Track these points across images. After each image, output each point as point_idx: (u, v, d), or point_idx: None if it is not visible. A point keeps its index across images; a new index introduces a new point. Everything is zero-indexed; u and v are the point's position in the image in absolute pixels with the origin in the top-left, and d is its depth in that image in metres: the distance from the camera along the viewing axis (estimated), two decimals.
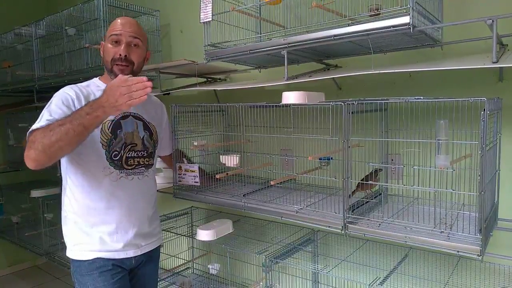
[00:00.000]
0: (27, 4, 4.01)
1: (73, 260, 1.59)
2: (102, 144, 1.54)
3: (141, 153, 1.66)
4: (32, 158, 1.30)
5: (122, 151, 1.59)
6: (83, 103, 1.47)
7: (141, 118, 1.68)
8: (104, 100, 1.28)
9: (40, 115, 1.45)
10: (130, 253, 1.62)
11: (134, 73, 1.59)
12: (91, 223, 1.57)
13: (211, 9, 1.81)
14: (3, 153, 3.85)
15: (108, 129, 1.56)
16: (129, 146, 1.61)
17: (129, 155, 1.61)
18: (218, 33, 1.89)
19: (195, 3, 1.97)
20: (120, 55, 1.54)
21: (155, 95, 2.52)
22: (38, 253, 3.39)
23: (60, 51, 2.81)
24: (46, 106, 1.48)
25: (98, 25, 2.47)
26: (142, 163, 1.66)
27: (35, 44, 3.03)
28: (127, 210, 1.61)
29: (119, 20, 1.59)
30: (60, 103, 1.47)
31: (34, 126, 1.38)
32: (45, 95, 3.37)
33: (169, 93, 2.53)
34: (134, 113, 1.66)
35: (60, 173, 1.63)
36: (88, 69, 2.53)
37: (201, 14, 1.84)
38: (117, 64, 1.56)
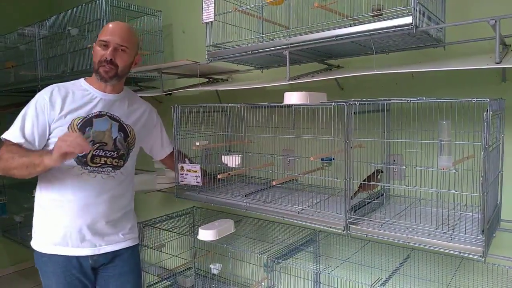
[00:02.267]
0: (30, 4, 4.02)
1: (33, 250, 1.68)
2: None
3: (110, 153, 1.67)
4: None
5: (92, 150, 1.63)
6: (57, 107, 1.58)
7: (118, 119, 1.71)
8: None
9: (16, 120, 1.58)
10: (86, 251, 1.65)
11: (119, 76, 1.67)
12: (50, 215, 1.63)
13: (213, 10, 1.81)
14: None
15: (77, 126, 1.61)
16: (97, 145, 1.64)
17: (96, 153, 1.64)
18: (220, 34, 1.89)
19: (197, 3, 1.97)
20: (106, 58, 1.61)
21: (156, 95, 2.53)
22: None
23: (63, 51, 2.82)
24: (24, 110, 1.60)
25: (101, 26, 2.47)
26: (109, 163, 1.67)
27: (38, 44, 3.04)
28: (84, 206, 1.63)
29: (110, 26, 1.65)
30: (33, 112, 1.58)
31: (5, 135, 1.57)
32: None
33: (171, 93, 2.53)
34: (111, 114, 1.69)
35: None
36: (90, 70, 2.52)
37: (203, 14, 1.84)
38: (103, 66, 1.62)
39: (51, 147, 1.57)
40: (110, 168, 1.68)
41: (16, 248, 3.82)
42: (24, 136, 1.55)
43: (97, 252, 1.67)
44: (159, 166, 2.42)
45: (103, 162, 1.66)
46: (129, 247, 1.79)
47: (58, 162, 1.44)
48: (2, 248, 3.96)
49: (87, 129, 1.61)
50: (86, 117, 1.62)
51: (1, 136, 1.58)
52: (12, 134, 1.56)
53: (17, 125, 1.57)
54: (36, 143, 1.57)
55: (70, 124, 1.59)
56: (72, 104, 1.61)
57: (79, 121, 1.61)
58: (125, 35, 1.63)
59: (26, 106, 1.61)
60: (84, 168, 1.62)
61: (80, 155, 1.59)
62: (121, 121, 1.72)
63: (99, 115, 1.66)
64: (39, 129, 1.57)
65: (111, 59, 1.61)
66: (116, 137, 1.69)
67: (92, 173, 1.63)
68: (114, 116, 1.70)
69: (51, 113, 1.58)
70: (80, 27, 2.71)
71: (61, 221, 1.61)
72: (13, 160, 1.49)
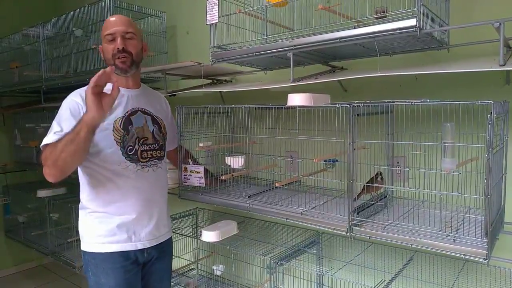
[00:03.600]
0: (35, 5, 4.04)
1: (86, 253, 1.65)
2: (116, 141, 1.61)
3: (153, 146, 1.72)
4: (47, 174, 1.44)
5: (136, 145, 1.65)
6: None
7: (149, 112, 1.74)
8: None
9: (51, 127, 1.53)
10: (146, 244, 1.67)
11: (136, 63, 1.67)
12: (109, 215, 1.61)
13: (217, 11, 1.82)
14: (10, 153, 3.89)
15: (120, 126, 1.62)
16: (142, 140, 1.67)
17: (143, 149, 1.68)
18: (224, 35, 1.90)
19: (201, 5, 1.97)
20: (118, 48, 1.60)
21: None
22: (44, 253, 3.40)
23: (67, 52, 2.83)
24: (56, 117, 1.56)
25: None
26: (155, 155, 1.72)
27: (42, 45, 3.06)
28: (146, 201, 1.67)
29: (110, 19, 1.65)
30: (68, 114, 1.54)
31: (44, 141, 1.48)
32: (52, 95, 3.40)
33: (175, 94, 2.54)
34: (142, 109, 1.71)
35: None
36: (95, 70, 2.53)
37: (207, 16, 1.85)
38: (118, 58, 1.61)
39: (92, 154, 1.56)
40: (157, 160, 1.73)
41: (19, 248, 3.83)
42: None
43: (154, 243, 1.70)
44: None
45: (151, 156, 1.70)
46: (169, 238, 1.84)
47: (96, 111, 1.35)
48: (5, 248, 3.97)
49: (129, 127, 1.64)
50: (124, 116, 1.64)
51: (41, 145, 1.49)
52: (52, 138, 1.48)
53: (52, 128, 1.53)
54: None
55: (113, 126, 1.60)
56: None
57: (120, 121, 1.62)
58: (127, 23, 1.64)
59: (57, 113, 1.55)
60: (137, 165, 1.65)
61: (130, 153, 1.62)
62: (151, 114, 1.75)
63: (133, 112, 1.68)
64: None
65: (123, 48, 1.60)
66: (153, 130, 1.73)
67: (145, 168, 1.67)
68: (145, 110, 1.72)
69: None
70: (84, 28, 2.73)
71: (125, 220, 1.62)
72: (56, 147, 1.39)
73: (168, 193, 2.32)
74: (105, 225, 1.61)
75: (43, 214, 3.52)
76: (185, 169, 1.98)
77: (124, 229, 1.62)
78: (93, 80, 1.33)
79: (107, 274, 1.61)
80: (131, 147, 1.64)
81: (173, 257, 2.50)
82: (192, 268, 2.71)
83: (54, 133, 1.50)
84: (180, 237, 2.50)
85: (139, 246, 1.66)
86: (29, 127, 3.40)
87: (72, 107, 1.55)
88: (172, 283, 2.50)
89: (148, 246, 1.68)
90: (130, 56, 1.63)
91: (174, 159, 2.06)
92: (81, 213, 1.69)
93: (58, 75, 2.93)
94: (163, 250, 1.78)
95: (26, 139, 3.51)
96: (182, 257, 2.62)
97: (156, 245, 1.72)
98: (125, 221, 1.62)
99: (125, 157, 1.62)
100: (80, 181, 1.67)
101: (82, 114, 1.49)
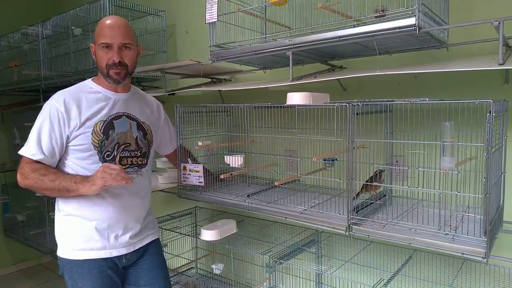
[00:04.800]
0: (34, 4, 4.04)
1: (62, 258, 1.62)
2: (94, 145, 1.57)
3: (135, 153, 1.68)
4: (20, 183, 1.55)
5: (115, 151, 1.62)
6: (73, 115, 1.54)
7: (135, 118, 1.70)
8: (89, 179, 1.51)
9: (30, 135, 1.56)
10: (122, 251, 1.64)
11: (129, 74, 1.65)
12: (84, 219, 1.59)
13: (216, 10, 1.82)
14: (9, 152, 3.88)
15: (100, 130, 1.58)
16: (123, 146, 1.64)
17: (123, 155, 1.64)
18: (224, 34, 1.89)
19: (201, 3, 1.97)
20: (114, 61, 1.57)
21: (159, 95, 2.53)
22: (43, 252, 3.41)
23: (66, 51, 2.83)
24: (37, 123, 1.56)
25: None
26: (135, 162, 1.68)
27: (41, 44, 3.05)
28: (121, 207, 1.63)
29: (107, 25, 1.58)
30: (48, 127, 1.54)
31: (23, 152, 1.55)
32: (51, 94, 3.39)
33: (174, 93, 2.53)
34: (128, 113, 1.68)
35: None
36: (93, 69, 2.54)
37: (206, 14, 1.85)
38: (112, 69, 1.59)
39: (70, 154, 1.57)
40: (137, 168, 1.69)
41: (18, 247, 3.84)
42: (43, 152, 1.53)
43: (131, 250, 1.67)
44: (161, 166, 2.43)
45: (130, 163, 1.66)
46: (154, 240, 1.81)
47: (96, 192, 1.50)
48: (4, 247, 3.97)
49: (110, 132, 1.60)
50: (106, 120, 1.60)
51: (19, 152, 1.56)
52: (30, 151, 1.53)
53: (33, 141, 1.54)
54: (57, 155, 1.56)
55: (93, 129, 1.56)
56: (89, 110, 1.58)
57: (101, 125, 1.59)
58: (125, 32, 1.59)
59: (38, 119, 1.56)
60: None
61: (108, 158, 1.60)
62: (137, 119, 1.71)
63: (117, 116, 1.64)
64: (58, 142, 1.54)
65: (119, 61, 1.58)
66: (137, 136, 1.69)
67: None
68: (131, 115, 1.69)
69: (69, 123, 1.54)
70: (83, 27, 2.72)
71: (99, 226, 1.59)
72: (43, 183, 1.50)
73: (167, 192, 2.33)
74: (80, 230, 1.59)
75: (42, 213, 3.52)
76: (184, 168, 1.98)
77: (98, 235, 1.59)
78: (115, 181, 1.45)
79: (84, 279, 1.58)
80: (109, 153, 1.60)
81: (172, 256, 2.51)
82: (191, 267, 2.71)
83: (35, 144, 1.53)
84: (179, 236, 2.50)
85: (114, 253, 1.62)
86: (28, 125, 3.37)
87: (53, 116, 1.54)
88: (171, 282, 2.51)
89: (124, 253, 1.65)
90: (125, 68, 1.61)
91: (174, 160, 2.05)
92: (57, 215, 1.65)
93: (57, 73, 2.93)
94: (146, 251, 1.75)
95: (25, 138, 3.45)
96: (181, 256, 2.62)
97: (134, 250, 1.69)
98: (100, 227, 1.59)
99: (102, 162, 1.57)
100: None
101: (61, 124, 1.53)
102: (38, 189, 1.55)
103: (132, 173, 1.66)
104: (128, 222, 1.66)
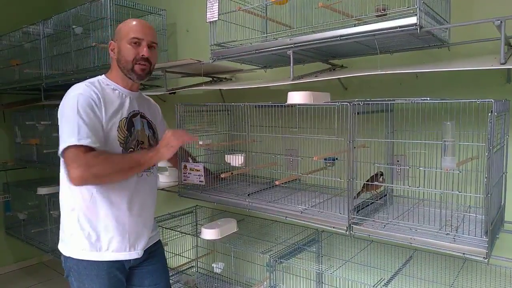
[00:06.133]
0: (35, 3, 4.04)
1: (69, 258, 1.55)
2: (120, 142, 1.54)
3: None
4: (84, 176, 1.38)
5: (136, 149, 1.60)
6: (102, 108, 1.49)
7: (145, 117, 1.70)
8: (156, 147, 1.56)
9: (73, 125, 1.40)
10: (140, 253, 1.62)
11: (150, 73, 1.64)
12: (101, 217, 1.52)
13: (217, 9, 1.82)
14: (11, 151, 3.89)
15: (124, 127, 1.56)
16: (141, 144, 1.63)
17: None
18: (224, 33, 1.89)
19: (202, 2, 1.97)
20: (143, 55, 1.57)
21: (159, 94, 2.53)
22: (44, 250, 3.42)
23: (67, 49, 2.83)
24: (71, 115, 1.42)
25: (105, 24, 2.49)
26: None
27: (42, 43, 3.06)
28: (141, 206, 1.62)
29: (137, 23, 1.58)
30: (91, 114, 1.45)
31: (74, 142, 1.38)
32: (52, 93, 3.40)
33: (175, 92, 2.53)
34: (141, 112, 1.68)
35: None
36: (95, 68, 2.54)
37: (207, 13, 1.85)
38: (139, 63, 1.57)
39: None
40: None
41: (19, 245, 3.85)
42: (97, 139, 1.44)
43: (141, 254, 1.64)
44: (161, 165, 2.43)
45: None
46: (157, 241, 1.81)
47: (173, 154, 1.56)
48: (6, 245, 3.98)
49: (132, 129, 1.59)
50: (127, 117, 1.59)
51: (68, 144, 1.38)
52: (86, 139, 1.40)
53: (83, 129, 1.41)
54: (103, 141, 1.49)
55: (119, 125, 1.54)
56: (112, 105, 1.54)
57: (125, 121, 1.57)
58: (154, 33, 1.62)
59: (68, 111, 1.44)
60: None
61: None
62: (148, 118, 1.71)
63: (135, 114, 1.63)
64: (99, 130, 1.47)
65: (147, 57, 1.57)
66: (148, 135, 1.69)
67: (142, 173, 1.63)
68: (143, 114, 1.68)
69: (101, 114, 1.49)
70: (84, 26, 2.72)
71: (120, 225, 1.55)
72: (114, 164, 1.44)
73: (168, 191, 2.33)
74: (94, 229, 1.52)
75: (43, 211, 3.53)
76: (185, 167, 1.98)
77: (118, 234, 1.54)
78: (182, 140, 1.56)
79: (92, 280, 1.53)
80: (132, 150, 1.58)
81: (173, 255, 2.52)
82: (192, 266, 2.71)
83: (87, 136, 1.40)
84: (180, 235, 2.50)
85: (134, 255, 1.60)
86: (29, 124, 3.41)
87: (88, 104, 1.45)
88: (171, 281, 2.51)
89: (141, 256, 1.63)
90: (150, 65, 1.61)
91: (172, 160, 2.05)
92: (65, 211, 1.56)
93: (58, 72, 2.93)
94: (151, 252, 1.73)
95: (26, 137, 3.52)
96: (181, 255, 2.63)
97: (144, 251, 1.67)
98: (120, 226, 1.55)
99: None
100: (61, 180, 1.57)
101: (97, 113, 1.47)
102: (107, 175, 1.43)
103: (147, 171, 1.66)
104: (146, 221, 1.66)
